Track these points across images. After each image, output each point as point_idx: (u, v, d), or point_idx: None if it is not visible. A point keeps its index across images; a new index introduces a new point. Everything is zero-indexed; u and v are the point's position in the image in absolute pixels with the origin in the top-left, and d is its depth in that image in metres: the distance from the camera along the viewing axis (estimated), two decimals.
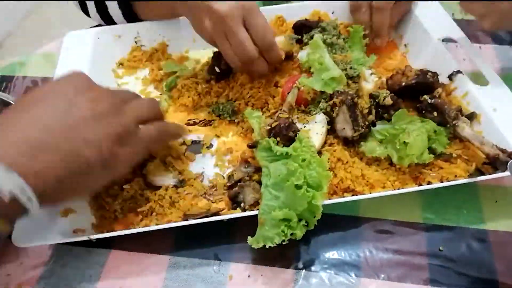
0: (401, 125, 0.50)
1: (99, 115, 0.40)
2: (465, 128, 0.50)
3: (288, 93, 0.55)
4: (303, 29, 0.65)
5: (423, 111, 0.53)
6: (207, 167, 0.54)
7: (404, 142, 0.47)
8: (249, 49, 0.54)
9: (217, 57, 0.60)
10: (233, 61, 0.56)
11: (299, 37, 0.64)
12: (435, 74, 0.55)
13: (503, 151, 0.47)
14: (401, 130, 0.49)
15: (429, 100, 0.53)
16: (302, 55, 0.61)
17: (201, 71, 0.63)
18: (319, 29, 0.63)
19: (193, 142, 0.57)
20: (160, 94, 0.63)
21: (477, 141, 0.48)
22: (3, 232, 0.36)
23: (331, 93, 0.53)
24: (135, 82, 0.65)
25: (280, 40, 0.60)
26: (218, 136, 0.58)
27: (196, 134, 0.58)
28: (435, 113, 0.52)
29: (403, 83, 0.55)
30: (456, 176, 0.48)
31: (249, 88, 0.60)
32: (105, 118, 0.40)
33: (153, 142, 0.47)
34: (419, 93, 0.55)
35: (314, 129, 0.52)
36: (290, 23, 0.68)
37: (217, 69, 0.60)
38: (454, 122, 0.50)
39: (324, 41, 0.60)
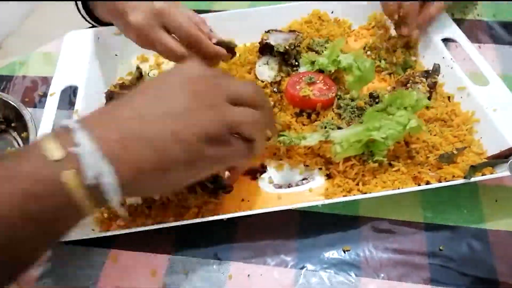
0: (373, 124, 0.49)
1: (197, 109, 0.36)
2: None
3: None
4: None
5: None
6: None
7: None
8: (175, 49, 0.54)
9: None
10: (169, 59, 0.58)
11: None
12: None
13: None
14: (374, 129, 0.48)
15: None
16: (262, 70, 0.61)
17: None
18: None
19: None
20: None
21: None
22: (87, 215, 0.34)
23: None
24: None
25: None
26: None
27: None
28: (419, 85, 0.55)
29: None
30: (454, 176, 0.48)
31: None
32: (201, 114, 0.36)
33: (241, 159, 0.41)
34: None
35: None
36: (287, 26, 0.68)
37: None
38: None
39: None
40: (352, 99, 0.55)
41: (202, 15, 0.67)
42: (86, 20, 0.69)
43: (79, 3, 0.67)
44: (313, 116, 0.55)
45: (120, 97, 0.37)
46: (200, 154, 0.36)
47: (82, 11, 0.67)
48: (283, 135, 0.51)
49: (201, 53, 0.57)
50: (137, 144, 0.34)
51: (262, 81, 0.60)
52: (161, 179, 0.36)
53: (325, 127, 0.52)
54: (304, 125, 0.55)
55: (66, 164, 0.31)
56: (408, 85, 0.55)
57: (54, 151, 0.31)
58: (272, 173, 0.53)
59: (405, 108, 0.49)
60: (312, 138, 0.50)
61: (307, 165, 0.52)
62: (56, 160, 0.31)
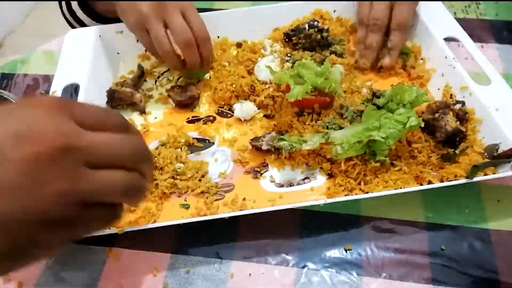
0: (373, 123, 0.49)
1: (32, 186, 0.26)
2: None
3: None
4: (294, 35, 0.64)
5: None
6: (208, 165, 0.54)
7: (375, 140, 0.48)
8: (164, 42, 0.56)
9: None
10: (153, 53, 0.60)
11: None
12: None
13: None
14: (374, 128, 0.48)
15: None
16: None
17: None
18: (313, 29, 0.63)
19: (198, 140, 0.57)
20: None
21: None
22: None
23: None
24: None
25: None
26: (216, 134, 0.58)
27: (197, 132, 0.58)
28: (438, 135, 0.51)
29: None
30: (456, 176, 0.48)
31: None
32: (38, 193, 0.27)
33: (100, 226, 0.33)
34: None
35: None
36: (283, 28, 0.67)
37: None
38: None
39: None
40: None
41: (203, 14, 0.68)
42: (70, 23, 0.70)
43: (63, 4, 0.67)
44: (315, 116, 0.55)
45: None
46: (33, 243, 0.28)
47: (66, 12, 0.68)
48: (283, 139, 0.50)
49: (202, 50, 0.58)
50: None
51: (262, 82, 0.61)
52: None
53: (327, 127, 0.52)
54: (305, 124, 0.55)
55: None
56: (437, 114, 0.52)
57: None
58: (274, 172, 0.53)
59: (404, 105, 0.49)
60: (312, 141, 0.50)
61: (308, 165, 0.52)
62: None
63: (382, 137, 0.47)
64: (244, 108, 0.59)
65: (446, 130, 0.50)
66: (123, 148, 0.31)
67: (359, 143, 0.48)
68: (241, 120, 0.59)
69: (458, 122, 0.51)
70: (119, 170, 0.31)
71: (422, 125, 0.48)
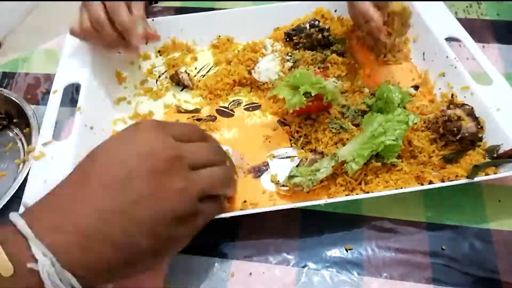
0: (376, 129, 0.48)
1: (160, 190, 0.33)
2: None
3: None
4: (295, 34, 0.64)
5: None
6: None
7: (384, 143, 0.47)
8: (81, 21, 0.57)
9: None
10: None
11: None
12: None
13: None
14: (380, 134, 0.48)
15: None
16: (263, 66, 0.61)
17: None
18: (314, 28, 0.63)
19: None
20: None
21: None
22: None
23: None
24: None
25: None
26: (217, 134, 0.58)
27: None
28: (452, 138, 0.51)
29: None
30: (457, 176, 0.48)
31: None
32: (165, 195, 0.33)
33: (213, 216, 0.42)
34: None
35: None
36: (284, 28, 0.67)
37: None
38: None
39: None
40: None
41: (204, 14, 0.68)
42: None
43: None
44: (318, 117, 0.55)
45: (66, 185, 0.34)
46: (170, 238, 0.35)
47: None
48: (295, 176, 0.49)
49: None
50: (99, 243, 0.31)
51: (262, 83, 0.61)
52: (129, 269, 0.34)
53: (331, 130, 0.52)
54: (308, 125, 0.55)
55: (22, 279, 0.29)
56: (454, 115, 0.51)
57: (7, 268, 0.28)
58: (275, 171, 0.53)
59: (399, 105, 0.50)
60: (325, 167, 0.48)
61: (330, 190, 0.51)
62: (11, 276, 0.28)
63: (393, 140, 0.47)
64: (267, 66, 0.59)
65: (469, 132, 0.50)
66: (209, 150, 0.40)
67: (372, 151, 0.48)
68: (258, 81, 0.60)
69: (475, 123, 0.51)
70: (214, 166, 0.39)
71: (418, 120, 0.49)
